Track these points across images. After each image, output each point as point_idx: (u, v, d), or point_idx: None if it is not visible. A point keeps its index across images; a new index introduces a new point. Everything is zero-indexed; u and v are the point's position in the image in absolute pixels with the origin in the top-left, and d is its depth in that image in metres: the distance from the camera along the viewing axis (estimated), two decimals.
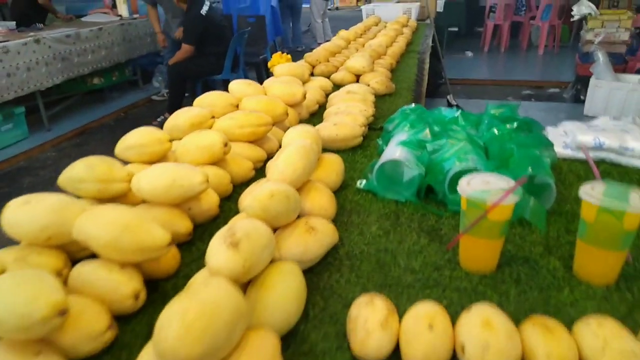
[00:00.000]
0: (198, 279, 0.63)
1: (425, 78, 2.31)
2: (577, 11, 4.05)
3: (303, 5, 7.41)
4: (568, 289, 0.72)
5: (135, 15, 5.24)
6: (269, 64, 1.87)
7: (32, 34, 3.89)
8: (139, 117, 4.58)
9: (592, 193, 0.69)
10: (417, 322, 0.59)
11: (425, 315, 0.60)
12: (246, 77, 1.44)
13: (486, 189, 0.72)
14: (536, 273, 0.76)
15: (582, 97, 3.91)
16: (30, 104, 3.90)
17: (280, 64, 1.79)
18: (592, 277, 0.73)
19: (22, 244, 0.72)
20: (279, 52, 1.90)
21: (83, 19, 5.08)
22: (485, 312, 0.60)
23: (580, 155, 1.16)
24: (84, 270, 0.65)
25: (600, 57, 3.68)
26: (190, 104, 1.21)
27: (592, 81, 3.53)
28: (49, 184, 3.20)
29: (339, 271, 0.77)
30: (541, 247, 0.82)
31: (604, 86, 3.44)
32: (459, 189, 0.74)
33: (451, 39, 7.12)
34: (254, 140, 1.14)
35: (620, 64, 4.06)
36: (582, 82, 4.01)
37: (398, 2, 4.43)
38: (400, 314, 0.63)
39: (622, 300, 0.69)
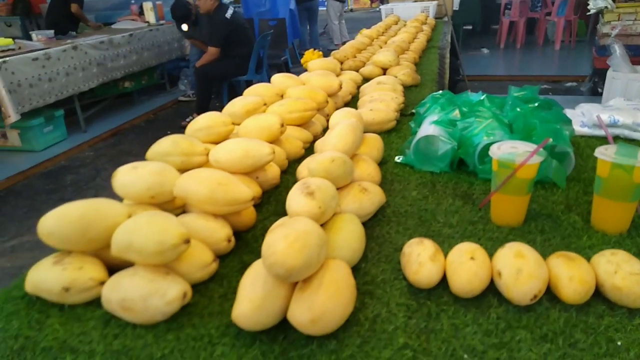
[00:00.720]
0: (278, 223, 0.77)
1: (446, 71, 2.44)
2: (593, 5, 4.12)
3: (321, 9, 7.58)
4: (586, 236, 0.84)
5: (162, 22, 5.47)
6: (302, 60, 2.02)
7: (69, 41, 4.13)
8: (168, 118, 4.79)
9: (606, 152, 0.82)
10: (461, 255, 0.73)
11: (466, 250, 0.73)
12: (269, 78, 1.58)
13: (514, 152, 0.85)
14: (558, 225, 0.88)
15: (599, 90, 3.97)
16: (66, 107, 4.14)
17: (312, 59, 1.94)
18: (607, 227, 0.85)
19: (126, 202, 0.87)
20: (312, 49, 2.04)
21: (113, 26, 5.32)
22: (517, 246, 0.73)
23: (597, 132, 1.28)
24: (186, 220, 0.80)
25: (617, 49, 3.73)
26: (216, 105, 1.35)
27: (609, 73, 3.59)
28: (90, 180, 3.41)
29: (388, 224, 0.91)
30: (562, 205, 0.95)
31: (621, 78, 3.50)
32: (490, 153, 0.87)
33: (467, 37, 7.20)
34: (301, 124, 1.28)
35: (638, 55, 4.10)
36: (599, 74, 4.07)
37: (416, 1, 4.55)
38: (444, 255, 0.76)
39: (633, 244, 0.81)
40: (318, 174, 0.85)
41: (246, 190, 0.82)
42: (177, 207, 0.88)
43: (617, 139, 1.25)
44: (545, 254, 0.77)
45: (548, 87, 4.86)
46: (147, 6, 5.38)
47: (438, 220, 0.93)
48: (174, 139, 0.97)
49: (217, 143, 1.03)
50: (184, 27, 4.56)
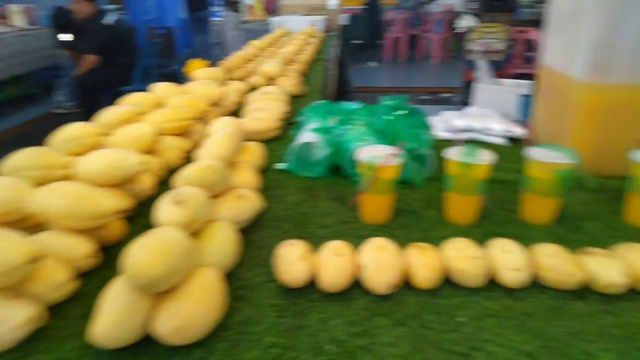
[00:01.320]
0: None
1: (332, 82, 2.56)
2: (461, 24, 4.63)
3: (214, 19, 7.45)
4: (441, 228, 0.94)
5: (33, 27, 4.96)
6: (186, 70, 1.97)
7: None
8: (41, 132, 4.32)
9: (453, 153, 0.92)
10: (329, 253, 0.77)
11: (334, 248, 0.78)
12: None
13: (377, 155, 0.92)
14: (419, 220, 0.97)
15: (468, 100, 4.45)
16: None
17: (197, 69, 1.91)
18: (457, 219, 0.96)
19: None
20: (197, 59, 2.01)
21: None
22: (379, 241, 0.79)
23: (457, 136, 1.43)
24: (42, 238, 0.74)
25: (482, 64, 4.24)
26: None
27: (475, 85, 4.05)
28: None
29: (266, 229, 0.93)
30: (423, 202, 1.05)
31: (485, 89, 3.96)
32: (355, 156, 0.94)
33: (356, 51, 7.61)
34: (180, 133, 1.26)
35: (499, 70, 4.68)
36: (468, 86, 4.57)
37: (306, 15, 4.71)
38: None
39: (480, 233, 0.92)
40: (192, 182, 0.84)
41: (110, 203, 0.78)
42: (33, 226, 0.81)
43: (471, 141, 1.41)
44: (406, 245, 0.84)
45: (427, 98, 5.32)
46: (14, 9, 4.86)
47: (314, 223, 0.97)
48: (31, 151, 0.90)
49: None
50: (68, 37, 4.19)
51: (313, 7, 4.68)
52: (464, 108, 1.66)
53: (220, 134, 1.03)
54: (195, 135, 1.30)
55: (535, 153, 0.93)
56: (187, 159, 1.23)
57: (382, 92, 5.61)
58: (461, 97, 4.93)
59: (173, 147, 1.19)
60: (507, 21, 5.62)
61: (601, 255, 0.74)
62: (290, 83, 2.02)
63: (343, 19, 5.84)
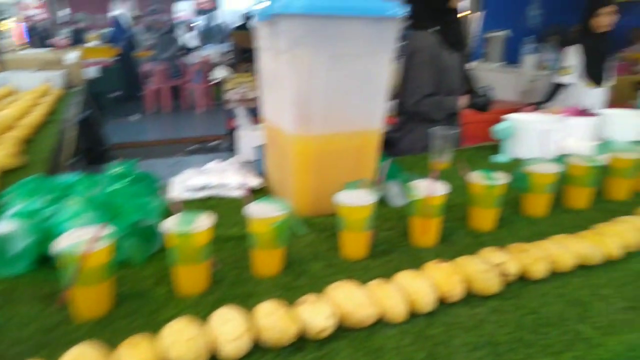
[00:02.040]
0: None
1: (68, 147, 2.26)
2: (214, 75, 4.80)
3: None
4: (171, 306, 0.86)
5: None
6: None
7: None
8: None
9: (170, 224, 0.87)
10: None
11: None
12: None
13: (78, 241, 0.80)
14: (146, 302, 0.88)
15: (234, 147, 4.62)
16: None
17: None
18: (187, 291, 0.90)
19: None
20: None
21: None
22: (73, 353, 0.66)
23: (197, 195, 1.40)
24: None
25: (241, 112, 4.46)
26: None
27: (237, 132, 4.23)
28: None
29: None
30: (153, 279, 0.96)
31: (246, 135, 4.17)
32: (51, 249, 0.79)
33: (114, 105, 7.11)
34: None
35: (256, 115, 5.02)
36: (232, 134, 4.75)
37: (39, 70, 4.14)
38: None
39: (210, 301, 0.88)
40: None
41: None
42: None
43: (211, 198, 1.40)
44: (122, 339, 0.72)
45: (197, 147, 5.30)
46: None
47: (7, 339, 0.77)
48: None
49: None
50: None
51: (48, 61, 4.15)
52: (232, 154, 1.65)
53: None
54: None
55: (253, 209, 0.96)
56: None
57: (148, 145, 5.34)
58: (227, 144, 5.07)
59: None
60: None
61: (310, 303, 0.78)
62: (3, 154, 1.68)
63: (90, 72, 5.38)
